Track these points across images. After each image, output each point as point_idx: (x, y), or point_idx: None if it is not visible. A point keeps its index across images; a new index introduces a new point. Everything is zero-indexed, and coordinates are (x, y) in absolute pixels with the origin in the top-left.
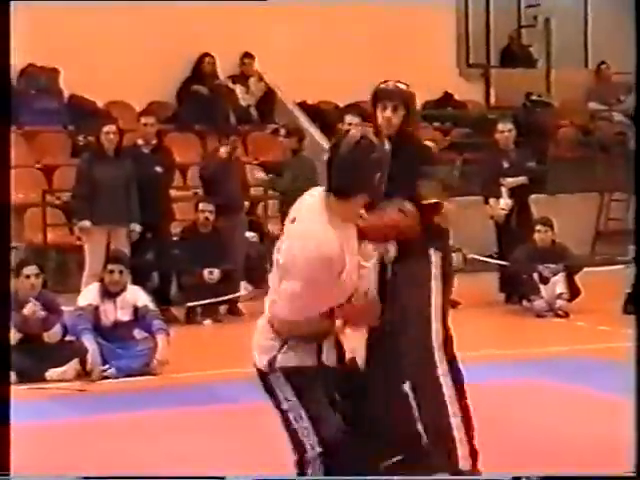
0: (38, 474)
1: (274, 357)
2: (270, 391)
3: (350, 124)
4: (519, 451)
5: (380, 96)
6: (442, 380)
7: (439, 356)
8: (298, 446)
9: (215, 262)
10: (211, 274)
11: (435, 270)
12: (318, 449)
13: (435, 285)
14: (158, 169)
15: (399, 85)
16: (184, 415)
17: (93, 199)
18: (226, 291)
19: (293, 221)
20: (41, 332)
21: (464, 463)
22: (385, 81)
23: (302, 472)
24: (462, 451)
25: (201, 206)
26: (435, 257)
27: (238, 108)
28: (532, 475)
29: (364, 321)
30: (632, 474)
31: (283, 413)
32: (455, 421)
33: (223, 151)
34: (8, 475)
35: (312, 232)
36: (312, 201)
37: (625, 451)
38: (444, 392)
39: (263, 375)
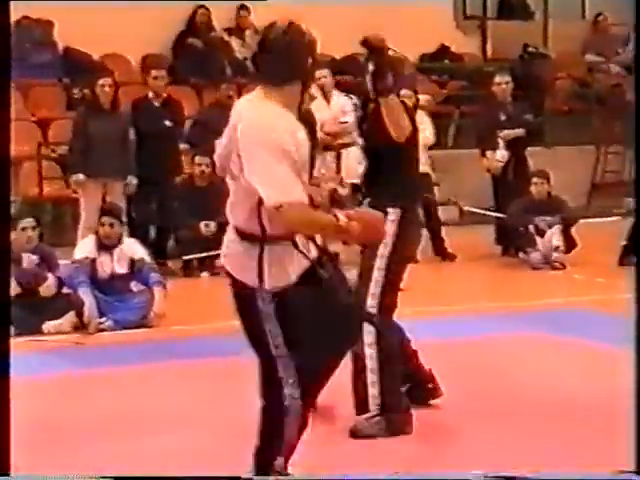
0: (38, 474)
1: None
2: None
3: (319, 78)
4: (516, 405)
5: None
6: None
7: (366, 327)
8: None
9: (212, 215)
10: (207, 227)
11: (388, 230)
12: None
13: (382, 247)
14: (168, 123)
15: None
16: (182, 367)
17: (88, 152)
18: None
19: (234, 127)
20: (37, 285)
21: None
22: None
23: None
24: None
25: (197, 159)
26: (393, 215)
27: (234, 61)
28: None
29: (373, 234)
30: (632, 472)
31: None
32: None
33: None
34: (8, 475)
35: (261, 119)
36: (250, 99)
37: (623, 403)
38: (367, 363)
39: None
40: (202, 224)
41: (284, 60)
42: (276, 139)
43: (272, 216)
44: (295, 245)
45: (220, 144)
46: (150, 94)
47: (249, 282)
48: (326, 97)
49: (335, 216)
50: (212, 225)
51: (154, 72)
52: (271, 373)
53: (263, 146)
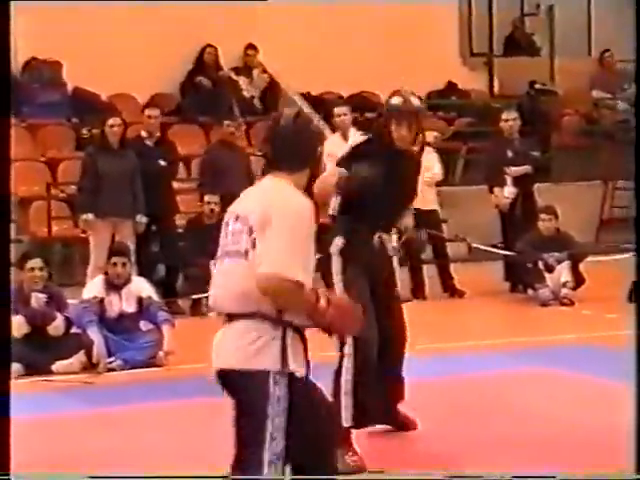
0: (38, 474)
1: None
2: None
3: (339, 115)
4: (525, 441)
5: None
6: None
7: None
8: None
9: None
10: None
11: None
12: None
13: None
14: (162, 162)
15: (413, 101)
16: (191, 407)
17: (98, 192)
18: None
19: (237, 218)
20: (46, 325)
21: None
22: (397, 92)
23: None
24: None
25: (207, 198)
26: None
27: (242, 99)
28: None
29: (347, 326)
30: (632, 475)
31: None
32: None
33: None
34: (8, 475)
35: (282, 193)
36: (261, 184)
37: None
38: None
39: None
40: (212, 262)
41: (297, 148)
42: (304, 218)
43: (260, 283)
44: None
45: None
46: (143, 133)
47: (265, 366)
48: (344, 135)
49: (316, 295)
50: None
51: (148, 111)
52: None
53: (290, 220)
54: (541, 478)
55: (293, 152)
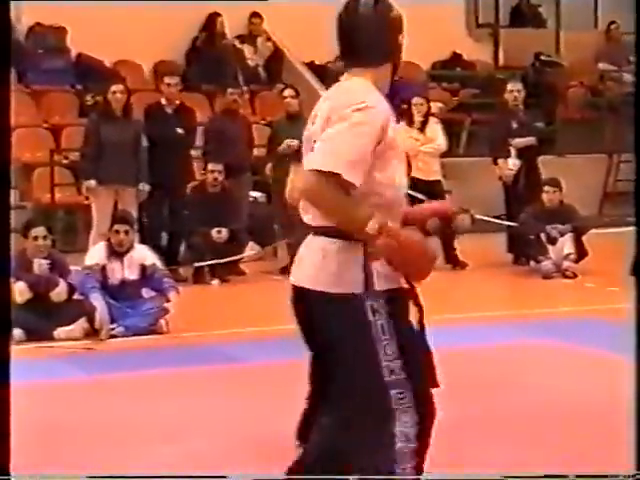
0: (38, 474)
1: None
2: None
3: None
4: (527, 413)
5: None
6: None
7: None
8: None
9: (223, 222)
10: (219, 233)
11: None
12: None
13: None
14: (179, 130)
15: None
16: (192, 374)
17: (100, 159)
18: (234, 251)
19: (312, 122)
20: (48, 291)
21: None
22: None
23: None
24: None
25: (210, 166)
26: None
27: (246, 68)
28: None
29: (409, 265)
30: (632, 474)
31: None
32: None
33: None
34: (8, 476)
35: (350, 91)
36: (338, 84)
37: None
38: None
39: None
40: (214, 231)
41: (376, 38)
42: (367, 119)
43: (304, 183)
44: None
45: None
46: (163, 101)
47: (352, 289)
48: None
49: (369, 213)
50: (224, 232)
51: (167, 79)
52: (377, 407)
53: (349, 119)
54: (534, 478)
55: (373, 43)
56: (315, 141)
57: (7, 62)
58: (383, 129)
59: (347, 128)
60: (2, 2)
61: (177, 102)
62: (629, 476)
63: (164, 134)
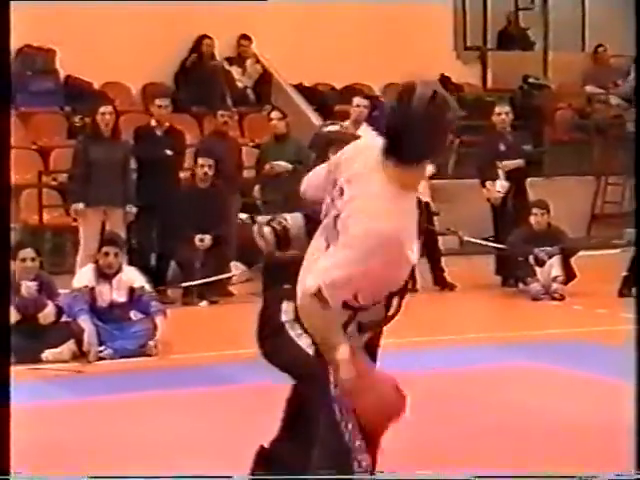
0: (38, 474)
1: None
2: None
3: (358, 106)
4: (514, 436)
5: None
6: None
7: None
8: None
9: (210, 225)
10: (202, 241)
11: None
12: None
13: None
14: (169, 152)
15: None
16: (181, 396)
17: (89, 180)
18: (220, 264)
19: (349, 181)
20: (36, 313)
21: None
22: None
23: None
24: None
25: (200, 160)
26: None
27: (235, 90)
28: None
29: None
30: (632, 474)
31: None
32: None
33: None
34: (8, 476)
35: (371, 206)
36: (370, 161)
37: (622, 436)
38: None
39: None
40: (197, 238)
41: (423, 139)
42: (381, 244)
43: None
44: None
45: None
46: (153, 122)
47: None
48: (355, 126)
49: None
50: (207, 239)
51: (158, 101)
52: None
53: (363, 242)
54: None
55: (418, 142)
56: (337, 216)
57: (7, 64)
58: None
59: (356, 255)
60: (2, 3)
61: (167, 124)
62: None
63: (154, 156)
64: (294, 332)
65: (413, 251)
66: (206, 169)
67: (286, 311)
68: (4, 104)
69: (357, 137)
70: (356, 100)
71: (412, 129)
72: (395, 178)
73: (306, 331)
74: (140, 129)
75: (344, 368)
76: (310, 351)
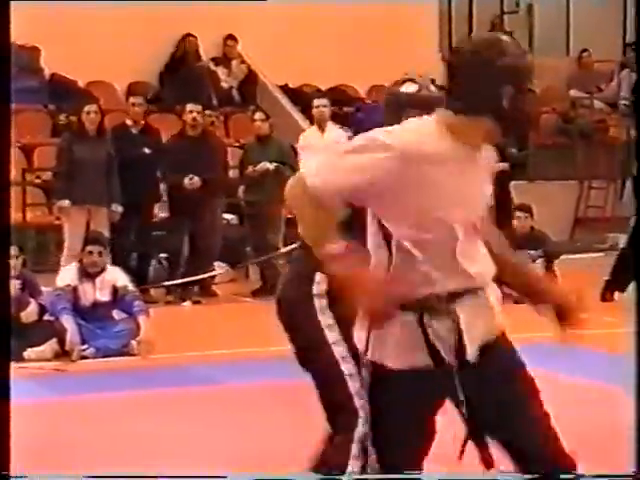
0: (38, 474)
1: None
2: None
3: (318, 107)
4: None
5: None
6: None
7: None
8: None
9: (200, 168)
10: (191, 180)
11: None
12: None
13: None
14: (146, 150)
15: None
16: (163, 396)
17: (73, 179)
18: (202, 267)
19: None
20: (19, 311)
21: None
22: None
23: None
24: None
25: (189, 107)
26: None
27: (220, 90)
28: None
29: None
30: (632, 474)
31: None
32: None
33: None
34: (8, 476)
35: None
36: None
37: (602, 439)
38: None
39: None
40: (186, 178)
41: (471, 85)
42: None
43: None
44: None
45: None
46: (128, 121)
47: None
48: (321, 127)
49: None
50: (196, 180)
51: (132, 99)
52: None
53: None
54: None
55: (467, 89)
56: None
57: (7, 66)
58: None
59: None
60: (2, 3)
61: (142, 122)
62: None
63: (131, 154)
64: (324, 322)
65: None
66: (195, 114)
67: (318, 282)
68: (4, 102)
69: (440, 99)
70: (316, 101)
71: (460, 74)
72: (452, 128)
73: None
74: (116, 128)
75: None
76: (336, 348)
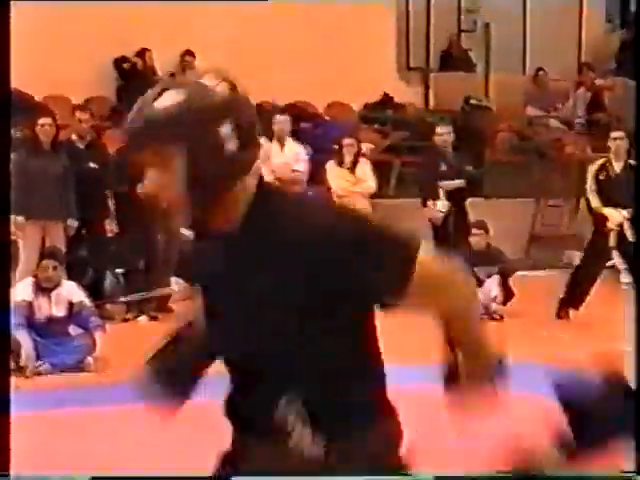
0: (38, 474)
1: None
2: None
3: (279, 123)
4: (455, 453)
5: None
6: None
7: None
8: None
9: None
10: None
11: None
12: None
13: None
14: (92, 165)
15: None
16: (120, 412)
17: (28, 194)
18: (157, 282)
19: None
20: None
21: None
22: None
23: None
24: None
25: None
26: None
27: None
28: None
29: None
30: (632, 473)
31: None
32: None
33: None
34: (8, 475)
35: None
36: None
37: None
38: None
39: None
40: (138, 185)
41: None
42: None
43: None
44: None
45: None
46: (74, 136)
47: None
48: (280, 142)
49: None
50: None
51: (78, 114)
52: None
53: None
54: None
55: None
56: None
57: (7, 63)
58: None
59: None
60: (2, 3)
61: (88, 137)
62: None
63: (77, 169)
64: None
65: None
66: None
67: None
68: (4, 105)
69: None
70: (277, 117)
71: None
72: None
73: None
74: (61, 143)
75: None
76: None
